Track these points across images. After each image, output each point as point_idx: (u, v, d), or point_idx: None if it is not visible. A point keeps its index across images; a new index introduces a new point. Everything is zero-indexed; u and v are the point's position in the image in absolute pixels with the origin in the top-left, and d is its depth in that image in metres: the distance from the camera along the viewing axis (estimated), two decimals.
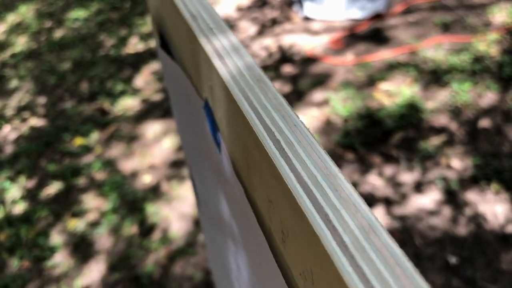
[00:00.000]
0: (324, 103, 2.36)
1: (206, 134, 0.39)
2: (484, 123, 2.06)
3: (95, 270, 1.87)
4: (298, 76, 2.58)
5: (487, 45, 2.41)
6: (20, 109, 2.85)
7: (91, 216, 2.07)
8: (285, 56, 2.77)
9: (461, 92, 2.20)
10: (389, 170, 1.98)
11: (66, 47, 3.40)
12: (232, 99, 0.28)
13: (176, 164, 2.23)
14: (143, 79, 2.86)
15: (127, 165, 2.28)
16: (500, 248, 1.60)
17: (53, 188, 2.25)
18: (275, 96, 0.26)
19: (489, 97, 2.17)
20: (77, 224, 2.05)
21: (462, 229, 1.68)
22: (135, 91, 2.76)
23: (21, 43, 3.59)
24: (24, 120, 2.75)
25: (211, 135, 0.36)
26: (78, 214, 2.09)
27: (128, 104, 2.67)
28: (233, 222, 0.40)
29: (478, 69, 2.29)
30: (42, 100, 2.89)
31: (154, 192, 2.12)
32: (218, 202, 0.46)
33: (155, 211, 2.03)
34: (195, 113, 0.43)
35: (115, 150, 2.38)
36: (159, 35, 0.57)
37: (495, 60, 2.32)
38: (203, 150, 0.44)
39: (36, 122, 2.72)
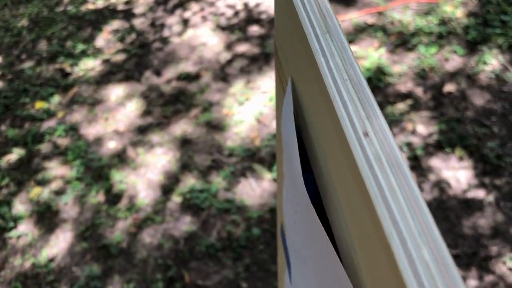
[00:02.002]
0: None
1: None
2: (450, 87, 2.08)
3: (62, 239, 1.84)
4: (266, 37, 2.53)
5: (453, 7, 2.41)
6: None
7: (55, 184, 2.02)
8: (251, 15, 2.69)
9: (428, 55, 2.20)
10: None
11: (20, 2, 3.21)
12: None
13: (141, 130, 2.18)
14: (104, 38, 2.75)
15: (90, 130, 2.22)
16: (462, 213, 1.66)
17: (14, 154, 2.18)
18: None
19: (455, 60, 2.18)
20: (40, 193, 2.00)
21: (426, 195, 1.72)
22: (96, 52, 2.65)
23: None
24: None
25: None
26: (42, 182, 2.04)
27: (90, 65, 2.57)
28: None
29: (445, 32, 2.29)
30: None
31: (120, 158, 2.08)
32: None
33: (121, 178, 2.00)
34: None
35: (78, 114, 2.31)
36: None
37: (461, 22, 2.33)
38: None
39: None
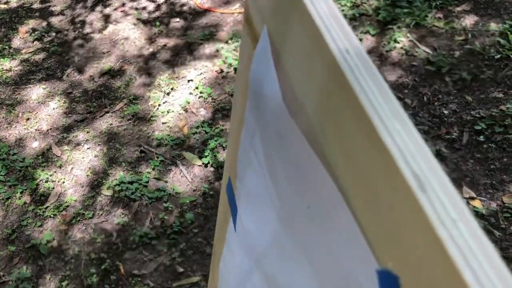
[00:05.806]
0: (216, 55, 2.36)
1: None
2: None
3: None
4: (188, 29, 2.54)
5: None
6: None
7: None
8: (173, 8, 2.70)
9: None
10: None
11: None
12: None
13: (66, 127, 2.13)
14: (21, 38, 2.65)
15: (11, 132, 2.14)
16: None
17: None
18: None
19: (369, 40, 2.30)
20: None
21: None
22: (13, 52, 2.56)
23: None
24: None
25: None
26: None
27: (6, 66, 2.47)
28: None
29: (358, 14, 2.40)
30: None
31: (45, 157, 2.03)
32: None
33: (47, 177, 1.95)
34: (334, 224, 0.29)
35: None
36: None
37: (372, 4, 2.45)
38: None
39: None
